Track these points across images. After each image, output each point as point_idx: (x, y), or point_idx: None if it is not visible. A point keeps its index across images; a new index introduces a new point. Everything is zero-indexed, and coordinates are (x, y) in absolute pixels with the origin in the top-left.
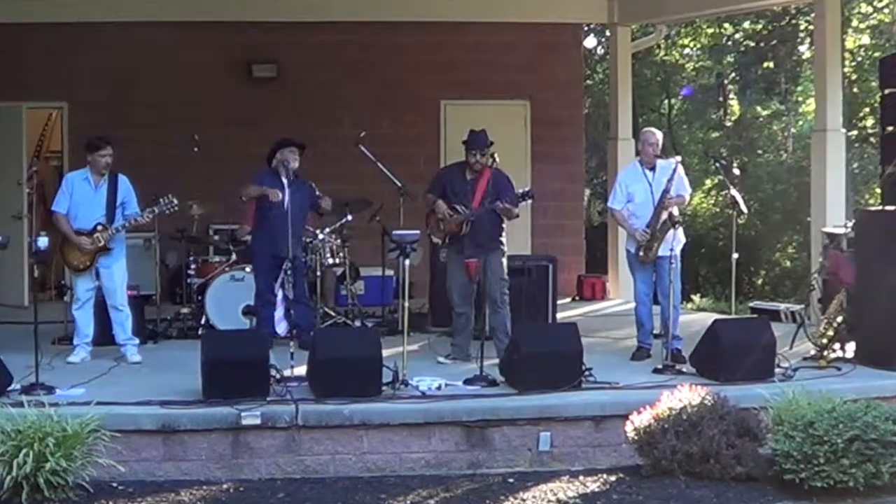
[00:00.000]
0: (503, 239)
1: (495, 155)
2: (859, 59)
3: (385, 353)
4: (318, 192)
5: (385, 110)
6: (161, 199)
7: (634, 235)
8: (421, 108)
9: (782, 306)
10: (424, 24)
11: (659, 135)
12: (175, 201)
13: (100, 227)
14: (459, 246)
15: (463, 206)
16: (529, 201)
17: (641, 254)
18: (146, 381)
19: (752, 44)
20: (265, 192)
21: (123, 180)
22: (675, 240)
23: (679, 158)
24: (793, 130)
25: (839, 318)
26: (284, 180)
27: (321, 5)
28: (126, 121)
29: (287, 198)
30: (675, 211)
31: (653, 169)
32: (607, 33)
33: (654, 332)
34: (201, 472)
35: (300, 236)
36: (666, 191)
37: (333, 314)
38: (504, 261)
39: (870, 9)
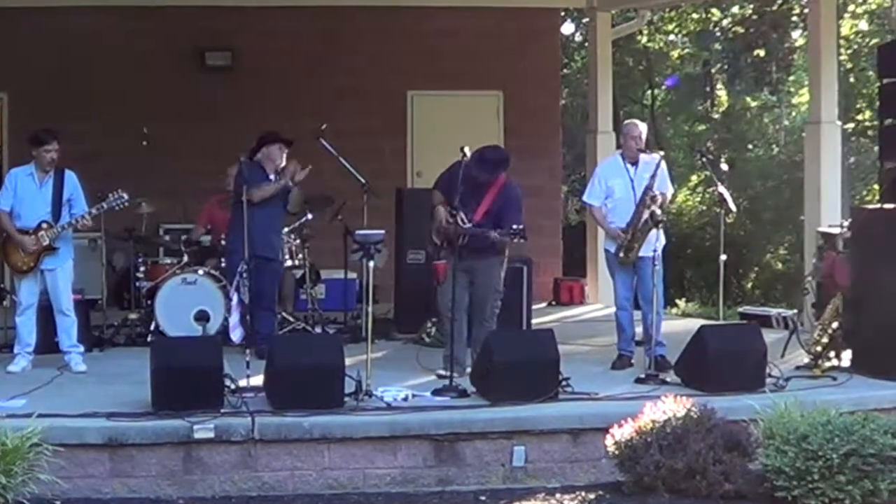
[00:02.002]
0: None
1: (465, 149)
2: (856, 46)
3: (348, 361)
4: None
5: (348, 101)
6: (110, 195)
7: (613, 235)
8: (386, 99)
9: (773, 311)
10: (390, 9)
11: (643, 127)
12: (125, 196)
13: (44, 226)
14: (457, 251)
15: (462, 217)
16: (518, 239)
17: (622, 255)
18: (91, 391)
19: (742, 30)
20: (281, 186)
21: (70, 176)
22: (658, 239)
23: (662, 154)
24: (785, 123)
25: (835, 325)
26: (272, 177)
27: None
28: (70, 112)
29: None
30: (658, 209)
31: (635, 164)
32: (586, 19)
33: (636, 338)
34: (150, 490)
35: (280, 236)
36: (648, 187)
37: (292, 320)
38: (502, 271)
39: None
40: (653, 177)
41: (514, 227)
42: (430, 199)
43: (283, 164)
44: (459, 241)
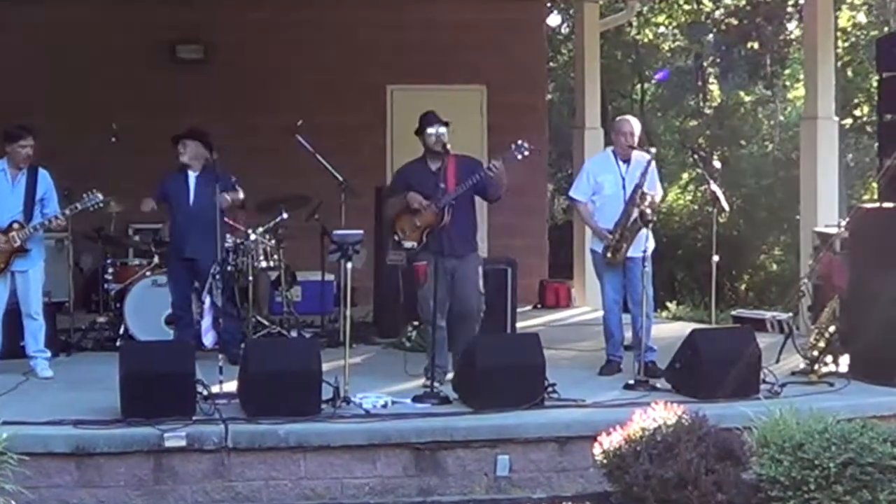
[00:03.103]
0: (478, 240)
1: (447, 145)
2: (854, 38)
3: (325, 366)
4: (234, 182)
5: (325, 96)
6: (84, 195)
7: (599, 234)
8: (365, 93)
9: (768, 315)
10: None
11: (635, 124)
12: (100, 197)
13: (16, 226)
14: (438, 245)
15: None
16: (526, 154)
17: (609, 255)
18: (58, 398)
19: (735, 21)
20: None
21: (44, 175)
22: (648, 240)
23: (654, 151)
24: (780, 118)
25: (832, 328)
26: (191, 173)
27: None
28: (34, 107)
29: (192, 195)
30: (648, 209)
31: (627, 161)
32: (572, 10)
33: (625, 343)
34: (119, 500)
35: (214, 236)
36: (639, 185)
37: (267, 323)
38: (480, 269)
39: None
40: (643, 174)
41: (517, 142)
42: (388, 209)
43: (185, 160)
44: (444, 217)
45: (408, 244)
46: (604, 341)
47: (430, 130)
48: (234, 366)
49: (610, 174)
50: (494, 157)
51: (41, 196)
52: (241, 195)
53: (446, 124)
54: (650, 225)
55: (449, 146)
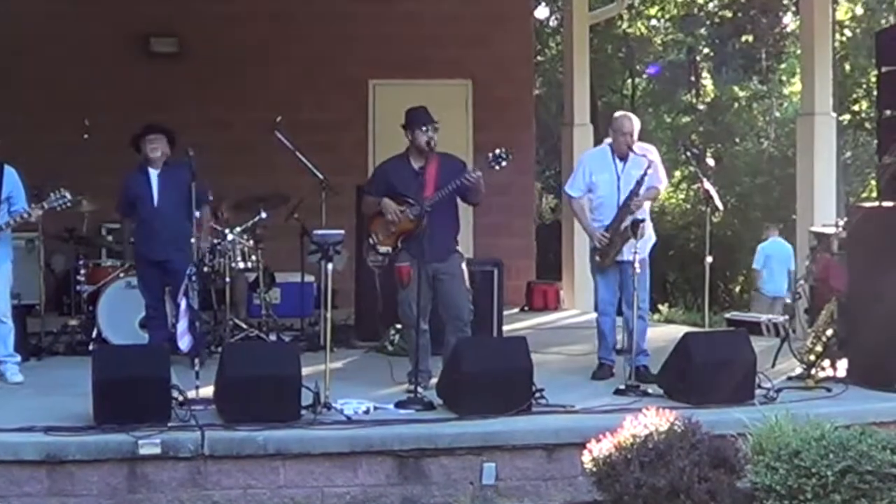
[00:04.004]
0: (461, 241)
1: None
2: (852, 31)
3: (305, 371)
4: (208, 195)
5: (305, 91)
6: (51, 194)
7: (591, 233)
8: (346, 88)
9: (763, 318)
10: None
11: (635, 122)
12: (68, 196)
13: None
14: (417, 248)
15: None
16: (503, 164)
17: (597, 258)
18: (28, 403)
19: (729, 14)
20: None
21: (10, 172)
22: (649, 239)
23: (652, 149)
24: (775, 114)
25: (829, 332)
26: (152, 171)
27: None
28: (4, 102)
29: (156, 195)
30: (641, 214)
31: (623, 159)
32: (561, 2)
33: (617, 346)
34: None
35: (185, 237)
36: (634, 192)
37: (245, 326)
38: (465, 267)
39: None
40: (639, 182)
41: (494, 151)
42: (365, 208)
43: (157, 155)
44: (421, 224)
45: (382, 249)
46: (593, 345)
47: (424, 129)
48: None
49: (606, 173)
50: (474, 165)
51: (7, 195)
52: (208, 212)
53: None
54: (638, 233)
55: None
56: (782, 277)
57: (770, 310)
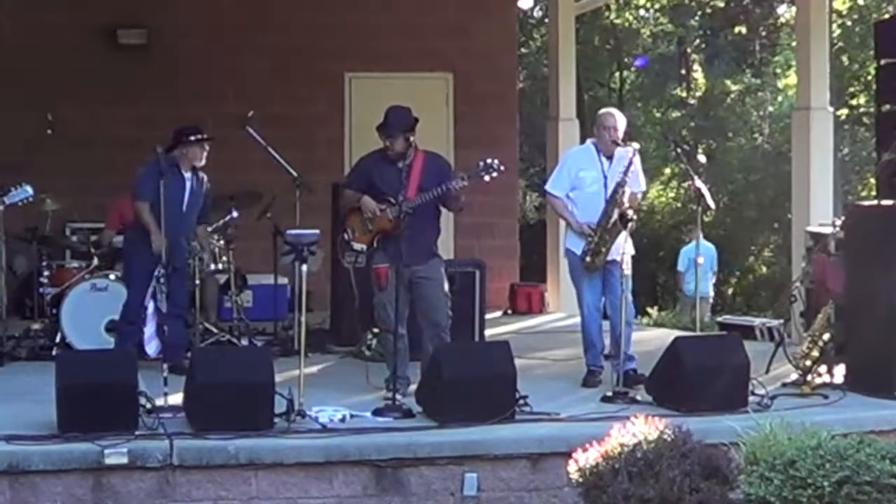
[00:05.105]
0: (441, 243)
1: (411, 138)
2: (850, 22)
3: (278, 377)
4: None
5: (278, 85)
6: (11, 189)
7: (578, 229)
8: (321, 81)
9: (757, 321)
10: None
11: (620, 118)
12: (30, 190)
13: None
14: (394, 250)
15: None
16: (494, 175)
17: (588, 259)
18: None
19: (721, 4)
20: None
21: None
22: (626, 241)
23: (637, 146)
24: (770, 109)
25: (826, 336)
26: (188, 175)
27: None
28: None
29: (186, 200)
30: (629, 209)
31: (609, 157)
32: None
33: (605, 352)
34: None
35: (189, 241)
36: (620, 183)
37: (216, 331)
38: (444, 272)
39: None
40: (625, 172)
41: (486, 161)
42: (344, 202)
43: (203, 162)
44: (400, 224)
45: (357, 246)
46: (578, 349)
47: (388, 146)
48: (180, 376)
49: (591, 170)
50: (460, 174)
51: None
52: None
53: (416, 122)
54: (630, 227)
55: (413, 139)
56: (706, 279)
57: (694, 311)
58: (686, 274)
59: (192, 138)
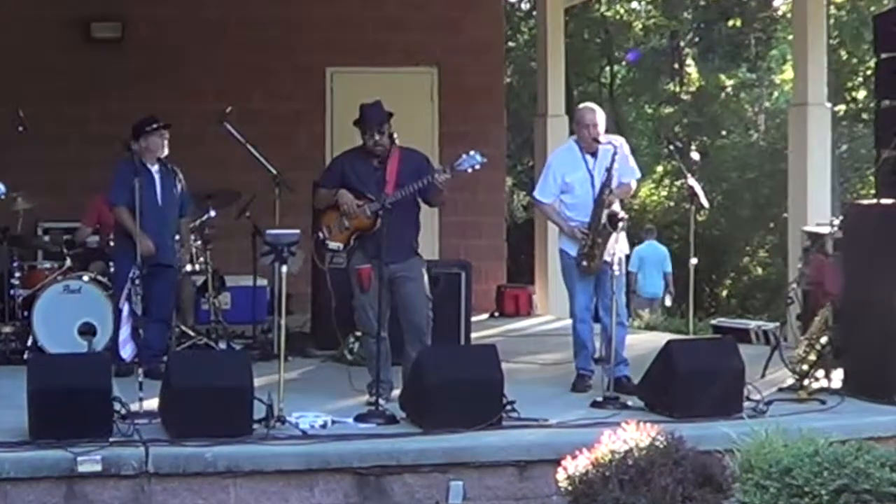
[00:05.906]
0: (428, 241)
1: (394, 134)
2: (848, 15)
3: (257, 382)
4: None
5: (257, 80)
6: None
7: (570, 233)
8: (302, 76)
9: (752, 324)
10: None
11: (599, 113)
12: (1, 188)
13: None
14: (373, 248)
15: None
16: (477, 167)
17: (584, 264)
18: None
19: None
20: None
21: None
22: (618, 241)
23: (621, 140)
24: (765, 105)
25: (823, 339)
26: (155, 168)
27: None
28: None
29: (159, 192)
30: (618, 207)
31: (594, 154)
32: None
33: (595, 355)
34: None
35: (174, 238)
36: (605, 184)
37: (193, 334)
38: (425, 272)
39: None
40: (608, 169)
41: (467, 152)
42: (318, 201)
43: (166, 152)
44: (377, 221)
45: (332, 245)
46: (567, 353)
47: (369, 140)
48: (156, 381)
49: (577, 171)
50: (442, 166)
51: None
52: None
53: (390, 116)
54: (622, 227)
55: (395, 135)
56: (658, 279)
57: (645, 313)
58: (638, 274)
59: (149, 128)
